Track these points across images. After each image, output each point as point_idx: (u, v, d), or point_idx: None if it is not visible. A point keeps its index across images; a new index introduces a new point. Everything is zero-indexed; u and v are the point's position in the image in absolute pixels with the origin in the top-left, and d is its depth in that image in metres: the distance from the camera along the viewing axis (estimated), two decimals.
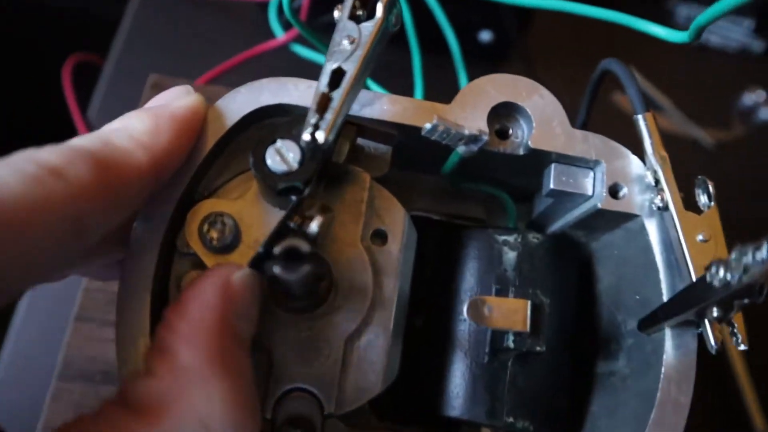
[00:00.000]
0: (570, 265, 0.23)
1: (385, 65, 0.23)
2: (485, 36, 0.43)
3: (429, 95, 0.39)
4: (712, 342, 0.18)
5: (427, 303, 0.23)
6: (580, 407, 0.22)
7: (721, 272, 0.15)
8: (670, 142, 0.47)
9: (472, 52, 0.43)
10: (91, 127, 0.42)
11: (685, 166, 0.45)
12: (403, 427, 0.22)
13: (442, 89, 0.41)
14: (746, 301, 0.16)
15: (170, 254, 0.19)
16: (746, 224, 0.43)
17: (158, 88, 0.33)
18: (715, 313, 0.17)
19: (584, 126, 0.28)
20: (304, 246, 0.16)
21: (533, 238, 0.22)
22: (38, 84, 0.53)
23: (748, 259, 0.14)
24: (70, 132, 0.41)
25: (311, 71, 0.40)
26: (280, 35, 0.36)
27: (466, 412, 0.20)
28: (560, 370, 0.21)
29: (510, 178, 0.23)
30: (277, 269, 0.16)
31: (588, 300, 0.23)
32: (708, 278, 0.16)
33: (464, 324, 0.21)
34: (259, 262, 0.17)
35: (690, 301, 0.17)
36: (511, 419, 0.20)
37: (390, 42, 0.19)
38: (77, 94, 0.42)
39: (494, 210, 0.24)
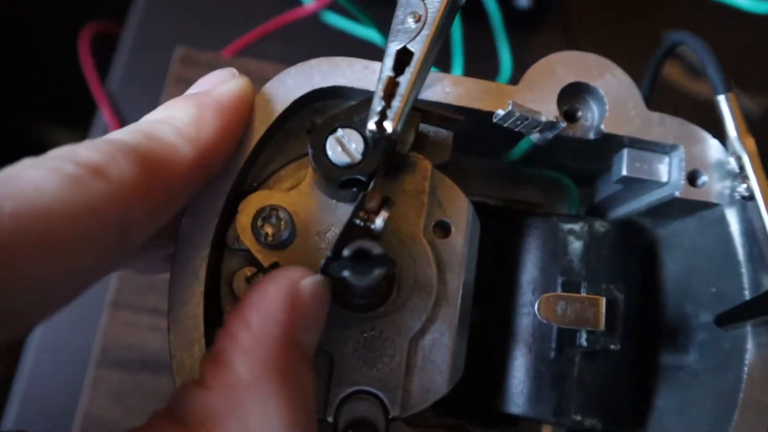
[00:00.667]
0: (635, 253, 0.21)
1: None
2: (523, 1, 0.40)
3: (468, 65, 0.37)
4: None
5: (486, 295, 0.21)
6: (644, 401, 0.21)
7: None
8: (712, 112, 0.45)
9: (509, 18, 0.41)
10: (111, 100, 0.40)
11: None
12: (462, 423, 0.21)
13: (482, 59, 0.40)
14: None
15: (221, 250, 0.18)
16: None
17: (187, 61, 0.32)
18: None
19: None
20: (376, 249, 0.15)
21: (600, 226, 0.21)
22: (54, 56, 0.52)
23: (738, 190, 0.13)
24: (90, 106, 0.40)
25: (345, 42, 0.38)
26: (310, 2, 0.34)
27: (531, 410, 0.20)
28: (627, 364, 0.20)
29: (573, 162, 0.21)
30: (347, 273, 0.15)
31: (651, 288, 0.22)
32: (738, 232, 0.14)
33: (527, 318, 0.20)
34: (328, 266, 0.16)
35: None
36: (579, 417, 0.19)
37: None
38: (96, 65, 0.41)
39: (553, 194, 0.23)
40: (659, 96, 0.45)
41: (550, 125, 0.17)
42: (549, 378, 0.20)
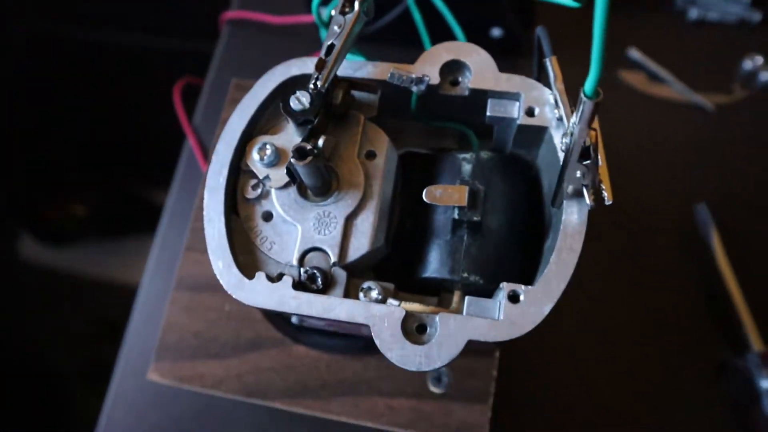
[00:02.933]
0: (517, 175, 0.31)
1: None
2: (496, 32, 0.52)
3: None
4: (587, 200, 0.26)
5: (416, 210, 0.32)
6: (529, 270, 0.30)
7: (565, 141, 0.24)
8: (672, 109, 0.55)
9: (487, 47, 0.52)
10: (196, 132, 0.55)
11: (690, 127, 0.53)
12: (393, 287, 0.31)
13: None
14: (590, 161, 0.24)
15: (237, 171, 0.30)
16: (747, 179, 0.49)
17: (239, 88, 0.46)
18: (578, 173, 0.25)
19: (538, 80, 0.36)
20: (308, 146, 0.26)
21: (484, 154, 0.31)
22: (153, 104, 0.69)
23: (571, 125, 0.23)
24: (181, 136, 0.55)
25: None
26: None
27: (436, 272, 0.30)
28: (508, 246, 0.30)
29: (467, 115, 0.32)
30: (291, 160, 0.26)
31: (538, 201, 0.32)
32: (562, 145, 0.24)
33: (435, 216, 0.31)
34: (289, 164, 0.27)
35: (562, 171, 0.26)
36: (466, 275, 0.29)
37: (410, 46, 0.29)
38: (185, 108, 0.56)
39: (463, 142, 0.34)
40: (625, 96, 0.55)
41: (419, 79, 0.29)
42: (447, 251, 0.30)
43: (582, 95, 0.22)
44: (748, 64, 0.53)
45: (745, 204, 0.49)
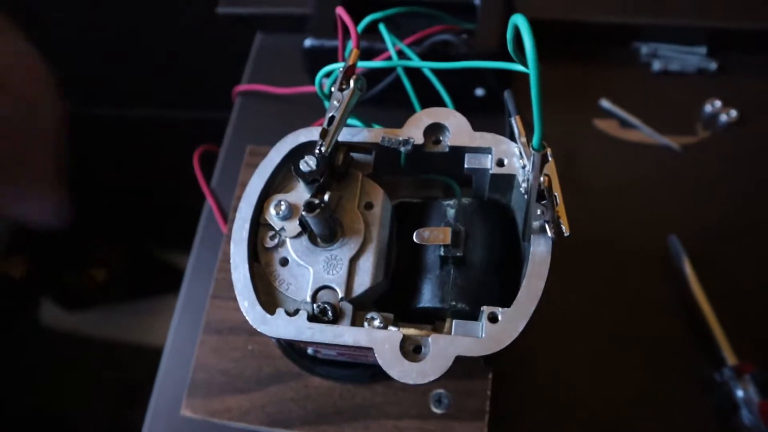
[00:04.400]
0: (495, 216, 0.37)
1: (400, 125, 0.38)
2: (479, 92, 0.58)
3: None
4: (549, 233, 0.31)
5: (410, 251, 0.37)
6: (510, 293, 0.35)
7: (524, 185, 0.29)
8: (643, 150, 0.61)
9: (472, 106, 0.58)
10: (214, 195, 0.61)
11: (658, 167, 0.58)
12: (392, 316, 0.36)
13: None
14: (547, 200, 0.30)
15: (256, 226, 0.36)
16: (714, 210, 0.55)
17: (254, 153, 0.52)
18: (539, 211, 0.30)
19: (510, 137, 0.42)
20: (316, 201, 0.32)
21: (465, 200, 0.36)
22: (172, 172, 0.76)
23: (526, 172, 0.28)
24: (201, 197, 0.61)
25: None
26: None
27: (428, 301, 0.35)
28: (489, 276, 0.35)
29: (452, 169, 0.38)
30: (302, 213, 0.32)
31: (515, 238, 0.37)
32: (523, 190, 0.30)
33: (426, 255, 0.36)
34: (301, 218, 0.33)
35: (526, 211, 0.31)
36: (454, 303, 0.34)
37: (404, 106, 0.34)
38: (203, 173, 0.62)
39: (448, 191, 0.39)
40: (600, 142, 0.61)
41: (405, 141, 0.34)
42: (437, 284, 0.35)
43: (531, 149, 0.28)
44: (708, 108, 0.59)
45: (713, 232, 0.53)
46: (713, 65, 0.61)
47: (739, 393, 0.45)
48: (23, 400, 1.05)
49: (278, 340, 0.43)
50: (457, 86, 0.52)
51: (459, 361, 0.31)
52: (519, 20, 0.24)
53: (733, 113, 0.58)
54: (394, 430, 0.40)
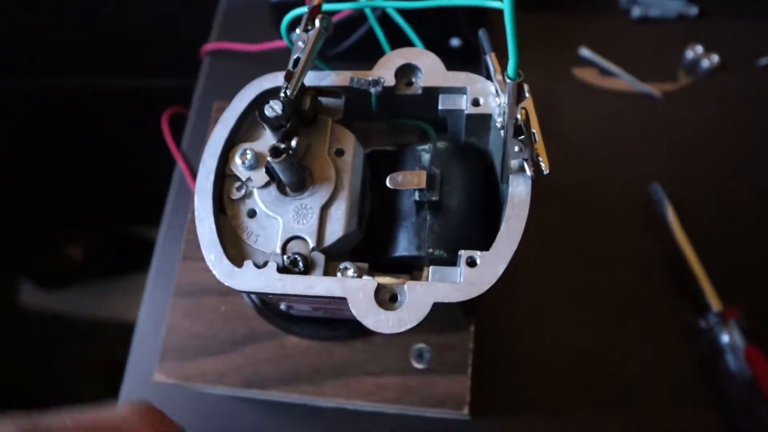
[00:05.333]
0: (472, 160, 0.35)
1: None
2: (455, 42, 0.56)
3: None
4: (528, 172, 0.30)
5: (384, 200, 0.36)
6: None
7: (500, 120, 0.28)
8: (624, 98, 0.59)
9: (449, 57, 0.56)
10: (185, 157, 0.59)
11: (639, 115, 0.57)
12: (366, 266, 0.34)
13: None
14: (524, 136, 0.28)
15: (222, 176, 0.34)
16: (696, 157, 0.54)
17: (222, 110, 0.50)
18: (516, 148, 0.29)
19: (487, 76, 0.40)
20: (282, 146, 0.30)
21: (440, 145, 0.35)
22: (141, 142, 0.73)
23: (501, 104, 0.27)
24: (171, 161, 0.59)
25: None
26: None
27: (404, 249, 0.33)
28: (468, 222, 0.34)
29: (424, 112, 0.36)
30: (268, 159, 0.30)
31: (494, 182, 0.36)
32: (499, 126, 0.28)
33: (401, 202, 0.34)
34: (267, 165, 0.31)
35: (504, 149, 0.29)
36: (431, 250, 0.33)
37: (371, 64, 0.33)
38: (173, 135, 0.60)
39: (423, 137, 0.37)
40: (580, 91, 0.59)
41: (375, 81, 0.32)
42: (414, 231, 0.33)
43: (506, 78, 0.26)
44: (690, 54, 0.58)
45: (694, 180, 0.53)
46: (694, 10, 0.59)
47: (725, 338, 0.44)
48: (2, 382, 1.03)
49: (252, 298, 0.42)
50: (432, 36, 0.50)
51: (437, 308, 0.29)
52: None
53: (715, 58, 0.57)
54: (375, 387, 0.39)
